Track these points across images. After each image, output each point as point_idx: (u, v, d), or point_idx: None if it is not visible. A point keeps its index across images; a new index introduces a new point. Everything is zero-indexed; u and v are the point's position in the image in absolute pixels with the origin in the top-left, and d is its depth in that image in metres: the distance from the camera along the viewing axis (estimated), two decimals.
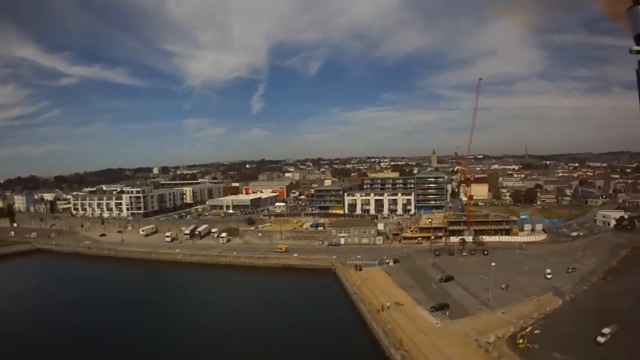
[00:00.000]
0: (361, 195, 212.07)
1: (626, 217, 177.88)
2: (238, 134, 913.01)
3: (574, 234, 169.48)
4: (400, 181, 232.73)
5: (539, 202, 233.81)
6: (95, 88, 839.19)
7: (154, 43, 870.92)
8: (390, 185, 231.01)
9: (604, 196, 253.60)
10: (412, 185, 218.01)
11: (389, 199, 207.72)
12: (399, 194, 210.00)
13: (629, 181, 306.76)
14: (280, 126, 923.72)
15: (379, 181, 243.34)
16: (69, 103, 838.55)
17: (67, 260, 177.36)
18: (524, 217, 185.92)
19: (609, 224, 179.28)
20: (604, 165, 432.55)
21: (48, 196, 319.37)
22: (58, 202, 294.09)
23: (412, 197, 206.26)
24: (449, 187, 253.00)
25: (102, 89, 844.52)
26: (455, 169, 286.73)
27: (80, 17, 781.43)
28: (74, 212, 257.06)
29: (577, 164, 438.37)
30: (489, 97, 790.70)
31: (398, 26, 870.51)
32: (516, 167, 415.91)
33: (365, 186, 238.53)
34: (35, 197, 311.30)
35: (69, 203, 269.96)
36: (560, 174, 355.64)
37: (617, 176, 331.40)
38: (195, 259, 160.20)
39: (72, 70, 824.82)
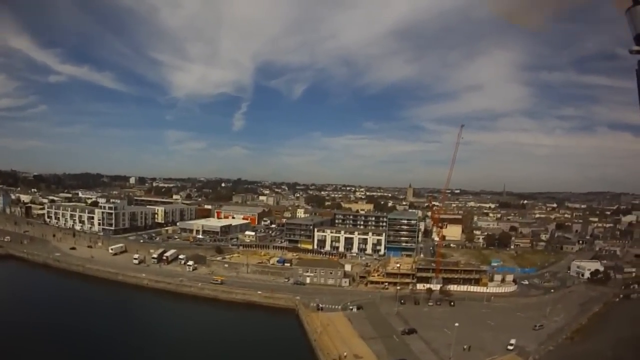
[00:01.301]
0: (331, 232, 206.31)
1: (601, 269, 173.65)
2: (217, 150, 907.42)
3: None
4: (373, 218, 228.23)
5: (512, 247, 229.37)
6: (82, 89, 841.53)
7: (143, 50, 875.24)
8: (362, 223, 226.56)
9: (581, 242, 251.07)
10: (384, 224, 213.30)
11: (359, 238, 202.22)
12: (370, 234, 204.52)
13: (607, 226, 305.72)
14: (260, 146, 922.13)
15: (350, 217, 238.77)
16: (56, 101, 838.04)
17: (36, 271, 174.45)
18: (495, 264, 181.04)
19: (583, 275, 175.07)
20: (583, 206, 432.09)
21: (25, 197, 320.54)
22: (33, 205, 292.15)
23: (382, 238, 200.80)
24: (422, 225, 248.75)
25: (88, 90, 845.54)
26: (430, 204, 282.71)
27: (74, 15, 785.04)
28: (47, 219, 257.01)
29: (555, 205, 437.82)
30: (472, 132, 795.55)
31: (385, 55, 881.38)
32: (492, 206, 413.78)
33: (337, 221, 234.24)
34: (12, 197, 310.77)
35: (44, 209, 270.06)
36: (537, 215, 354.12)
37: (595, 219, 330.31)
38: (160, 285, 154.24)
39: (61, 68, 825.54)
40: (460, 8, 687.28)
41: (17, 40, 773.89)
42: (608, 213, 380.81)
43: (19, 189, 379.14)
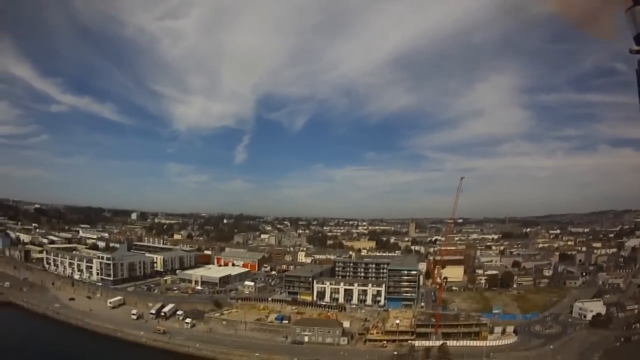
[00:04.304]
0: (331, 284, 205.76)
1: (603, 312, 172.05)
2: (219, 183, 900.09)
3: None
4: (373, 266, 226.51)
5: (515, 286, 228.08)
6: (84, 119, 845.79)
7: (145, 82, 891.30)
8: (362, 271, 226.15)
9: (584, 274, 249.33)
10: (384, 273, 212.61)
11: (359, 289, 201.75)
12: (370, 285, 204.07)
13: (611, 252, 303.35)
14: (262, 179, 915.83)
15: (350, 264, 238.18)
16: (57, 130, 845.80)
17: (36, 322, 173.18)
18: (496, 311, 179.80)
19: (585, 317, 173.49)
20: (586, 230, 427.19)
21: (24, 237, 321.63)
22: (32, 248, 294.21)
23: (382, 289, 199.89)
24: (424, 267, 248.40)
25: (90, 121, 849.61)
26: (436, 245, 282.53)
27: (74, 44, 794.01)
28: (46, 265, 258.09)
29: (558, 231, 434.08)
30: (473, 159, 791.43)
31: (385, 85, 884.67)
32: (495, 237, 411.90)
33: (337, 269, 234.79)
34: (12, 236, 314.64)
35: (43, 252, 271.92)
36: (540, 245, 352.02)
37: (599, 245, 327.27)
38: (158, 344, 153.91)
39: (63, 97, 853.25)
40: (458, 35, 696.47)
41: (18, 67, 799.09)
42: (611, 235, 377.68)
43: (19, 223, 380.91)
